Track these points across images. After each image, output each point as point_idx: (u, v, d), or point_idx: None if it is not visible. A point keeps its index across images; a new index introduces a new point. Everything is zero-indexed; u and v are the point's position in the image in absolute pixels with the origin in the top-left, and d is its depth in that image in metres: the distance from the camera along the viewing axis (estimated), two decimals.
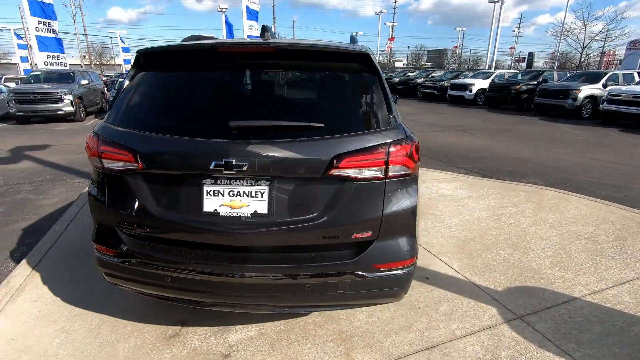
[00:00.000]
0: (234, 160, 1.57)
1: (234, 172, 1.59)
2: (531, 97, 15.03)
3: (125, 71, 28.33)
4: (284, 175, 1.63)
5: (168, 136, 1.69)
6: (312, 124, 1.64)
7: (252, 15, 18.01)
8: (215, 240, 1.72)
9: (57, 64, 15.95)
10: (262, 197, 1.66)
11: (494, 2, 26.11)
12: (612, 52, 43.43)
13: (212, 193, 1.67)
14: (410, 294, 2.54)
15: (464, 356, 1.98)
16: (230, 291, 1.75)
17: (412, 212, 1.75)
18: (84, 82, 13.05)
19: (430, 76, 23.18)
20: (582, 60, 36.52)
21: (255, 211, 1.66)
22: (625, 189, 5.19)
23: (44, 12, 15.08)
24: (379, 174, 1.65)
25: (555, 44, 36.17)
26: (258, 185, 1.66)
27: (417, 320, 2.27)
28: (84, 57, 32.07)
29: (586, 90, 12.80)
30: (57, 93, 11.55)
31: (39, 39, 15.27)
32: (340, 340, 2.11)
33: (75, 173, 6.01)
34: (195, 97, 1.87)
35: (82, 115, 12.47)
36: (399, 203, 1.71)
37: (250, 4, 17.52)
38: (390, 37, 46.35)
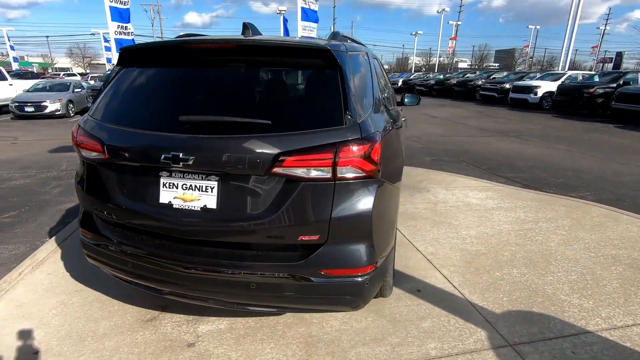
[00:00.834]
0: (180, 154, 1.60)
1: (181, 165, 1.62)
2: (608, 101, 13.33)
3: None
4: (230, 171, 1.63)
5: (129, 129, 1.78)
6: (258, 121, 1.62)
7: (310, 16, 18.22)
8: (168, 232, 1.78)
9: None
10: (212, 192, 1.68)
11: None
12: None
13: (167, 185, 1.73)
14: (394, 305, 2.41)
15: None
16: (183, 282, 1.79)
17: (367, 218, 1.65)
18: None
19: (491, 77, 21.66)
20: None
21: (205, 205, 1.69)
22: None
23: (121, 16, 16.81)
24: (326, 175, 1.57)
25: None
26: (208, 180, 1.68)
27: (392, 334, 2.14)
28: None
29: None
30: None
31: (117, 41, 17.08)
32: (305, 344, 2.06)
33: None
34: (157, 93, 1.95)
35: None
36: (352, 207, 1.62)
37: (307, 4, 17.73)
38: (452, 36, 44.19)
